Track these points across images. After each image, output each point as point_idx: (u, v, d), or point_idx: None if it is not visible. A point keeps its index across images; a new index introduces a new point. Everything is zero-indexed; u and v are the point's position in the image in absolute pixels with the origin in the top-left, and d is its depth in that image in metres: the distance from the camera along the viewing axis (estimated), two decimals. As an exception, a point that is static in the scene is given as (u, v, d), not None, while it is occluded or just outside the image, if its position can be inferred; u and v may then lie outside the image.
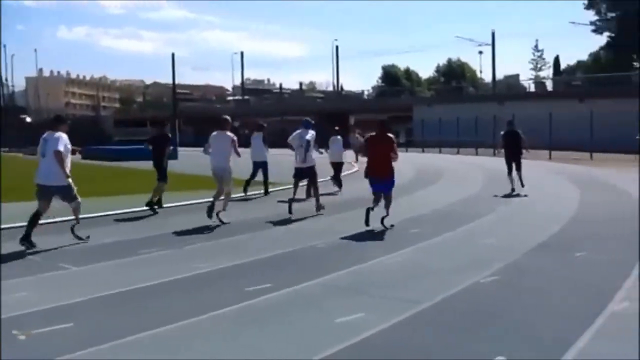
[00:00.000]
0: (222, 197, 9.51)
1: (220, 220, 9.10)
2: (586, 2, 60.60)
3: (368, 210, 8.27)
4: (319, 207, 10.19)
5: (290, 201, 10.13)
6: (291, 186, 10.80)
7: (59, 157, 7.14)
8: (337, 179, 14.19)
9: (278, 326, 4.28)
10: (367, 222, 8.15)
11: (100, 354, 3.72)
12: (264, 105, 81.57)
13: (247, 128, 28.02)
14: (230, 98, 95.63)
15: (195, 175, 16.76)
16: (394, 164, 8.55)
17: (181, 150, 33.76)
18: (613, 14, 58.37)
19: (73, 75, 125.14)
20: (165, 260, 6.57)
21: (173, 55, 40.53)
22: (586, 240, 7.60)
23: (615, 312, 4.48)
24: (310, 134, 10.48)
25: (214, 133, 9.82)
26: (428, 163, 25.19)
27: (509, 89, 57.88)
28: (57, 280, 5.78)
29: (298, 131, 10.65)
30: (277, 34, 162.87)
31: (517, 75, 67.12)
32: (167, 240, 7.77)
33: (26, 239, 7.07)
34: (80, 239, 7.46)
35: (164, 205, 10.90)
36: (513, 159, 13.64)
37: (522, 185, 13.37)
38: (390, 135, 8.47)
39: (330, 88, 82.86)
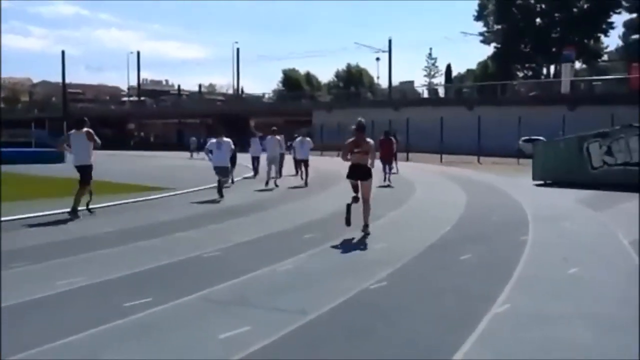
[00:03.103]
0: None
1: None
2: (475, 14, 64.21)
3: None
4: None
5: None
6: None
7: None
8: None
9: (158, 344, 3.98)
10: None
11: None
12: (160, 107, 79.13)
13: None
14: (125, 99, 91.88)
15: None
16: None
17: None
18: (499, 26, 62.20)
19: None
20: (25, 278, 5.86)
21: (63, 52, 38.70)
22: (471, 242, 7.85)
23: (498, 315, 4.58)
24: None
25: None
26: (326, 167, 25.41)
27: (404, 94, 59.97)
28: None
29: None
30: (176, 35, 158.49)
31: (412, 82, 69.78)
32: (26, 254, 6.94)
33: None
34: None
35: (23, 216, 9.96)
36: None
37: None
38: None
39: (231, 91, 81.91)
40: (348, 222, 8.29)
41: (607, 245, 7.87)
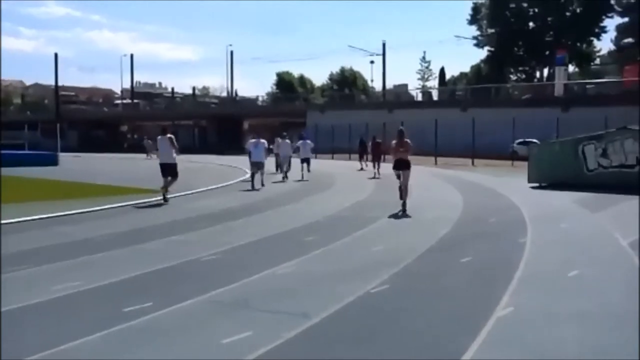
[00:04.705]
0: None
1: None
2: (469, 18, 64.36)
3: None
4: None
5: None
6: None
7: None
8: None
9: (159, 351, 3.91)
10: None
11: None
12: (154, 109, 78.86)
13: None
14: (118, 101, 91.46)
15: (76, 183, 15.69)
16: None
17: (63, 155, 31.75)
18: (492, 30, 62.37)
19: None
20: (25, 281, 5.80)
21: (56, 55, 38.51)
22: (471, 244, 7.83)
23: (500, 318, 4.55)
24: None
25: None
26: (321, 169, 25.38)
27: (398, 97, 60.02)
28: None
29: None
30: (169, 37, 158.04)
31: (406, 85, 69.83)
32: (32, 256, 6.96)
33: None
34: None
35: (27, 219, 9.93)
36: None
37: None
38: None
39: (225, 93, 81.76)
40: (401, 197, 11.30)
41: (606, 246, 7.86)
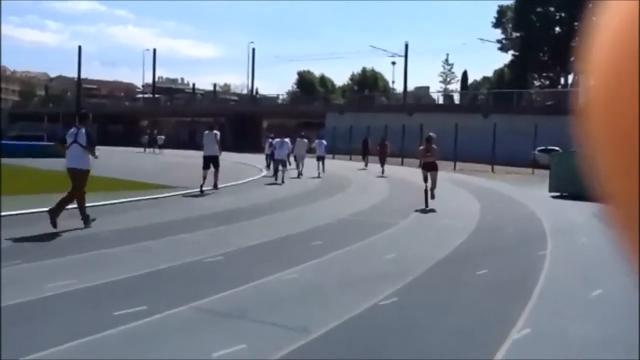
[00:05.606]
0: None
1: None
2: (494, 21, 63.56)
3: None
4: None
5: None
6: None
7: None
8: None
9: (143, 362, 3.64)
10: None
11: None
12: (174, 104, 79.14)
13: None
14: (139, 96, 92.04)
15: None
16: None
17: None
18: (517, 34, 61.50)
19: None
20: (14, 278, 5.51)
21: (80, 48, 38.49)
22: (487, 255, 7.46)
23: (516, 341, 4.20)
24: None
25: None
26: (337, 170, 25.08)
27: (419, 99, 59.43)
28: None
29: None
30: (191, 33, 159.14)
31: (427, 88, 69.21)
32: (22, 250, 6.73)
33: None
34: None
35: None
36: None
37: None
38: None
39: (246, 91, 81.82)
40: (426, 205, 12.20)
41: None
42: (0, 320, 4.10)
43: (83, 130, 8.84)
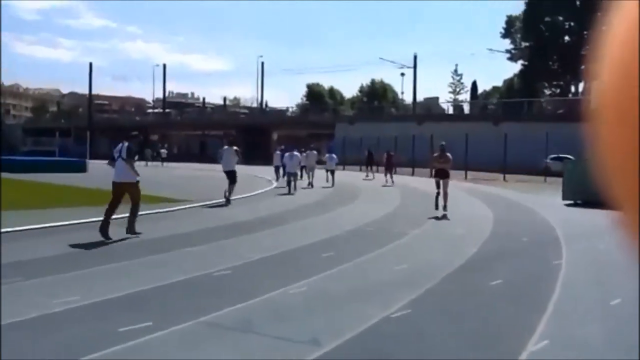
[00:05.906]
0: None
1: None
2: (503, 31, 63.40)
3: None
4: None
5: None
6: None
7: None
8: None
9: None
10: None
11: None
12: (184, 118, 79.54)
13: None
14: (150, 110, 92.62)
15: (99, 190, 15.53)
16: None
17: (93, 163, 31.95)
18: (526, 44, 61.28)
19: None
20: (22, 294, 5.43)
21: (90, 64, 38.82)
22: (501, 265, 7.30)
23: (534, 353, 4.05)
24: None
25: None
26: (348, 180, 24.96)
27: (428, 110, 59.28)
28: None
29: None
30: (201, 48, 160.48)
31: (437, 98, 69.03)
32: (28, 267, 6.58)
33: None
34: None
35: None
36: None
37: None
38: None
39: (255, 104, 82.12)
40: (436, 207, 12.89)
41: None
42: (0, 321, 4.07)
43: (126, 144, 9.15)
